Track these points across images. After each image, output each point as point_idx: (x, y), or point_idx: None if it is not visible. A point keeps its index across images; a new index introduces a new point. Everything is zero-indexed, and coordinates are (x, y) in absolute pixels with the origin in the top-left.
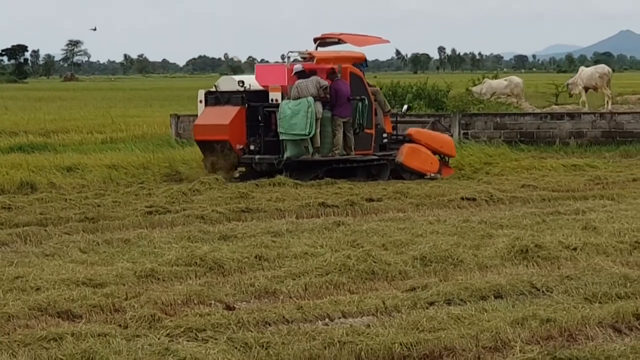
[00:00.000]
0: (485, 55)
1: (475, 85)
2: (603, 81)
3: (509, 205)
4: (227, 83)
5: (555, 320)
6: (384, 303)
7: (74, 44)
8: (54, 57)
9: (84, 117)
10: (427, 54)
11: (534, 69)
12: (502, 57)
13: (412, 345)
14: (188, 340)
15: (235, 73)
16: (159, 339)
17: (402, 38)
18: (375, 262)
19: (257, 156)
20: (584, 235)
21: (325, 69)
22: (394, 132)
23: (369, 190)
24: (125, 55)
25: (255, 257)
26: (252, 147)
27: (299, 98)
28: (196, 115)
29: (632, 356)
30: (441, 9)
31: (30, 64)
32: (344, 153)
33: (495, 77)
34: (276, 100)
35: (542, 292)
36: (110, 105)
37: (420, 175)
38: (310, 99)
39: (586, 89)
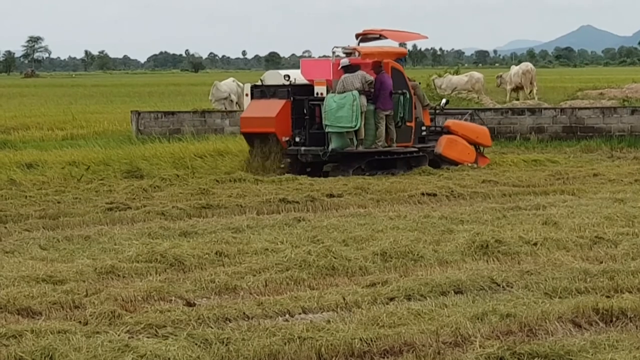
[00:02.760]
0: (447, 51)
1: (438, 77)
2: (527, 79)
3: (469, 200)
4: (273, 77)
5: (515, 316)
6: (344, 299)
7: (35, 40)
8: (14, 53)
9: (44, 114)
10: None
11: (495, 64)
12: (464, 53)
13: (372, 340)
14: (148, 337)
15: (195, 69)
16: (119, 335)
17: None
18: (335, 258)
19: (302, 148)
20: (545, 231)
21: (370, 63)
22: (432, 125)
23: (329, 186)
24: (86, 52)
25: (216, 253)
26: (297, 139)
27: (345, 92)
28: (157, 112)
29: (591, 351)
30: (401, 3)
31: None
32: (386, 145)
33: (457, 72)
34: (321, 93)
35: (502, 287)
36: (71, 101)
37: (457, 166)
38: (356, 92)
39: (515, 88)
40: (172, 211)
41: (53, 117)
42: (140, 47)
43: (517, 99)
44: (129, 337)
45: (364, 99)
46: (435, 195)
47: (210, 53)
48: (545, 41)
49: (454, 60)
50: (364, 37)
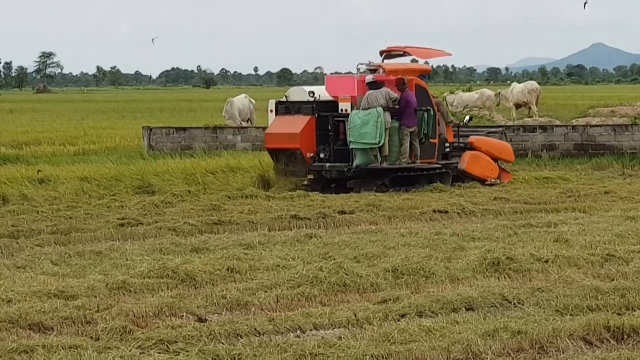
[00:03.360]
0: (459, 68)
1: (450, 94)
2: (532, 97)
3: (481, 217)
4: (298, 94)
5: (526, 333)
6: (355, 315)
7: (47, 56)
8: (26, 69)
9: (56, 129)
10: None
11: (507, 82)
12: (476, 70)
13: (383, 357)
14: (160, 353)
15: (207, 85)
16: (130, 351)
17: (374, 50)
18: (347, 275)
19: (327, 164)
20: (556, 248)
21: (394, 80)
22: (456, 141)
23: (341, 202)
24: (98, 68)
25: (228, 269)
26: (322, 156)
27: (369, 108)
28: (169, 128)
29: None
30: (412, 20)
31: (2, 76)
32: (410, 162)
33: (469, 90)
34: (346, 110)
35: (514, 304)
36: (83, 117)
37: (481, 182)
38: (380, 109)
39: (517, 105)
40: (184, 227)
41: (65, 132)
42: (152, 63)
43: (530, 117)
44: (140, 353)
45: (388, 116)
46: (447, 212)
47: (222, 69)
48: (557, 59)
49: (466, 77)
50: (388, 54)
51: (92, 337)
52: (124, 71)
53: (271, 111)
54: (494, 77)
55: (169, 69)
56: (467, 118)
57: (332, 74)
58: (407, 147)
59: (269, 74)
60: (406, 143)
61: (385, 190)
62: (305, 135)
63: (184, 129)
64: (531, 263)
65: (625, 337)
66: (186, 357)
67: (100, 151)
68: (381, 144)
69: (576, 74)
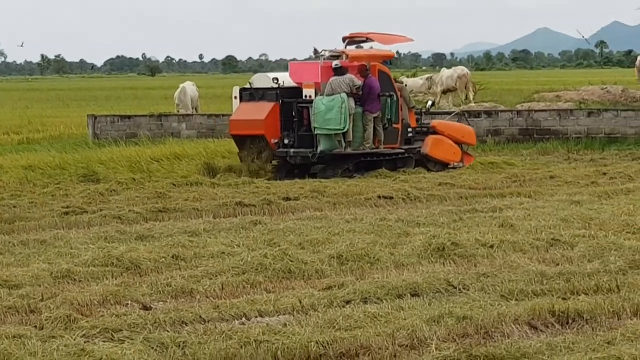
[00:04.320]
0: (403, 54)
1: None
2: (461, 83)
3: (425, 203)
4: (261, 80)
5: (471, 318)
6: (300, 302)
7: None
8: None
9: (0, 118)
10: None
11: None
12: (420, 56)
13: (328, 343)
14: (104, 341)
15: (152, 73)
16: (74, 339)
17: (320, 36)
18: (291, 261)
19: (291, 150)
20: (501, 233)
21: (357, 66)
22: (418, 126)
23: (285, 189)
24: (42, 56)
25: (172, 256)
26: (286, 141)
27: (333, 94)
28: (113, 115)
29: (547, 353)
30: (358, 6)
31: None
32: (373, 147)
33: (414, 75)
34: (310, 96)
35: (459, 289)
36: (27, 105)
37: (444, 165)
38: (344, 95)
39: (446, 90)
40: (129, 215)
41: (8, 121)
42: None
43: (471, 102)
44: (84, 342)
45: (352, 102)
46: (391, 198)
47: (167, 57)
48: (501, 43)
49: (411, 63)
50: (350, 40)
51: (36, 326)
52: (68, 59)
53: (235, 97)
54: (439, 62)
55: (114, 56)
56: (429, 103)
57: (291, 60)
58: (370, 132)
59: (213, 61)
60: (369, 128)
61: (350, 174)
62: (270, 121)
63: (129, 117)
64: (476, 248)
65: (570, 321)
66: (131, 345)
67: (44, 140)
68: (345, 130)
69: (521, 58)
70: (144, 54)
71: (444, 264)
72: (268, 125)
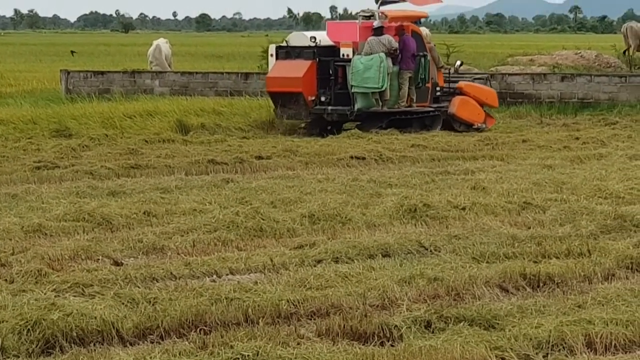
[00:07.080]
0: None
1: None
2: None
3: (398, 164)
4: (298, 38)
5: (442, 279)
6: (271, 260)
7: None
8: None
9: None
10: (319, 13)
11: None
12: None
13: (299, 302)
14: (75, 296)
15: (126, 30)
16: (45, 294)
17: None
18: (263, 220)
19: (329, 107)
20: (473, 195)
21: (394, 27)
22: (446, 86)
23: (258, 147)
24: (15, 10)
25: (144, 213)
26: (322, 99)
27: (371, 54)
28: (86, 71)
29: (518, 315)
30: None
31: None
32: (406, 105)
33: None
34: (347, 55)
35: (430, 251)
36: None
37: (468, 126)
38: (382, 54)
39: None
40: (101, 171)
41: None
42: (70, 7)
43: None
44: (55, 296)
45: (390, 61)
46: (364, 158)
47: (141, 14)
48: (476, 7)
49: None
50: (384, 0)
51: (6, 280)
52: (41, 14)
53: (271, 55)
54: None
55: (87, 12)
56: (458, 63)
57: (328, 19)
58: (405, 90)
59: (187, 18)
60: (405, 87)
61: (381, 129)
62: (307, 79)
63: (102, 73)
64: (448, 210)
65: (541, 284)
66: (101, 300)
67: (16, 94)
68: (384, 88)
69: (495, 22)
70: (117, 10)
71: (415, 225)
72: (305, 82)
